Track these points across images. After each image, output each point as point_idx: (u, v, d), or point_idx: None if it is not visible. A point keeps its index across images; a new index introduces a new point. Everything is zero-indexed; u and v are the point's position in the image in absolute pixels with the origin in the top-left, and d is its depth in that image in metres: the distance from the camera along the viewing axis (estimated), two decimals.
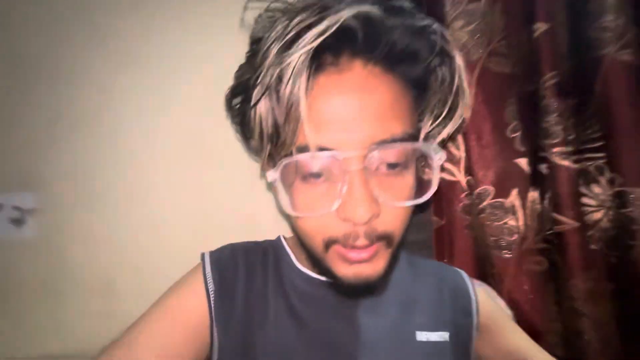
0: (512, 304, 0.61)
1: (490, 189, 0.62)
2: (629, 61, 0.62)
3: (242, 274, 0.48)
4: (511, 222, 0.61)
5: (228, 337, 0.45)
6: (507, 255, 0.61)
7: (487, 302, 0.54)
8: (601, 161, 0.65)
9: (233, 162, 0.64)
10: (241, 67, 0.45)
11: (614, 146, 0.63)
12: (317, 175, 0.39)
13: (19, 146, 0.62)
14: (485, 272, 0.63)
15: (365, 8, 0.36)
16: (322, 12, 0.36)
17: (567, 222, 0.60)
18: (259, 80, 0.39)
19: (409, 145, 0.39)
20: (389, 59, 0.39)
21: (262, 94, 0.39)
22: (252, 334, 0.45)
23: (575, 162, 0.63)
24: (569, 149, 0.62)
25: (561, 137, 0.61)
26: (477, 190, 0.62)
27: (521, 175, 0.62)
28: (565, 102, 0.63)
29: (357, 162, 0.37)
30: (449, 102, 0.43)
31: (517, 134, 0.63)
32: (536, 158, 0.64)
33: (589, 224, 0.65)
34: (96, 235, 0.64)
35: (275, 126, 0.39)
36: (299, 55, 0.36)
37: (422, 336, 0.47)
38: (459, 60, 0.42)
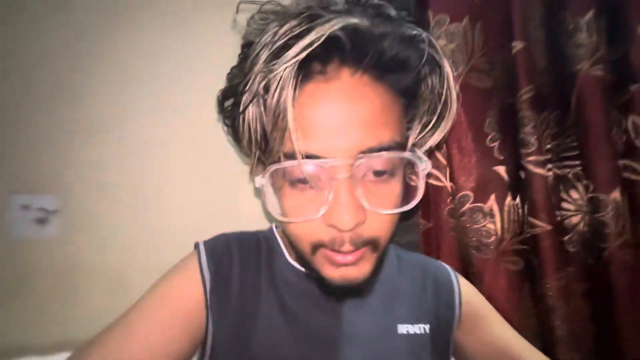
0: (490, 301, 0.65)
1: (470, 194, 0.67)
2: (601, 76, 0.66)
3: (237, 264, 0.48)
4: (489, 225, 0.66)
5: (222, 325, 0.45)
6: (485, 256, 0.66)
7: (471, 295, 0.55)
8: (578, 169, 0.69)
9: (242, 166, 0.68)
10: (232, 69, 0.44)
11: (587, 155, 0.67)
12: (305, 181, 0.39)
13: (43, 153, 0.69)
14: (467, 271, 0.68)
15: (353, 20, 0.36)
16: (311, 22, 0.36)
17: (541, 225, 0.65)
18: (247, 87, 0.39)
19: (396, 154, 0.39)
20: (377, 67, 0.38)
21: (250, 101, 0.39)
22: (245, 324, 0.45)
23: (550, 170, 0.68)
24: (543, 157, 0.66)
25: (536, 146, 0.65)
26: (459, 195, 0.67)
27: (499, 182, 0.67)
28: (541, 114, 0.68)
29: (343, 170, 0.37)
30: (438, 110, 0.43)
31: (496, 143, 0.67)
32: (514, 166, 0.68)
33: (568, 228, 0.69)
34: (110, 236, 0.70)
35: (263, 132, 0.39)
36: (285, 66, 0.35)
37: (403, 329, 0.48)
38: (448, 69, 0.42)
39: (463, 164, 0.67)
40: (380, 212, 0.39)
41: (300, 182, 0.39)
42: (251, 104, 0.39)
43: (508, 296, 0.65)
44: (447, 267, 0.56)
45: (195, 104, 0.70)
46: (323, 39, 0.35)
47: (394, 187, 0.40)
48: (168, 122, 0.71)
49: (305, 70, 0.37)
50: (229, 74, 0.45)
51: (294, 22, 0.37)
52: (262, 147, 0.40)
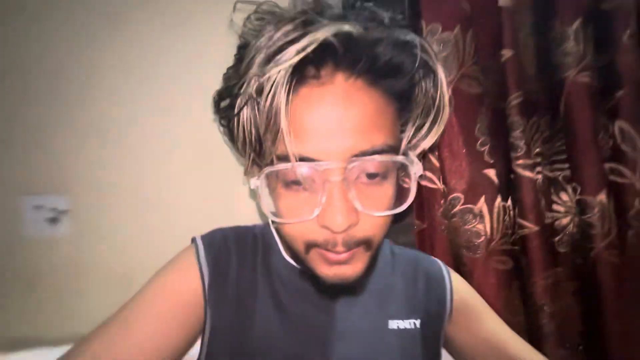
0: None
1: (461, 196, 0.69)
2: (588, 83, 0.69)
3: (234, 259, 0.49)
4: (479, 226, 0.68)
5: (220, 319, 0.46)
6: (475, 255, 0.68)
7: (463, 290, 0.55)
8: (567, 172, 0.72)
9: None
10: (228, 70, 0.44)
11: (575, 158, 0.70)
12: (299, 183, 0.39)
13: (55, 156, 0.72)
14: (458, 270, 0.70)
15: (347, 27, 0.36)
16: (305, 27, 0.36)
17: (529, 226, 0.67)
18: (242, 89, 0.39)
19: (388, 157, 0.39)
20: (371, 72, 0.39)
21: (244, 104, 0.39)
22: (242, 318, 0.46)
23: (539, 172, 0.71)
24: (532, 161, 0.68)
25: (524, 150, 0.68)
26: (450, 196, 0.70)
27: (489, 184, 0.69)
28: (530, 119, 0.70)
29: (337, 173, 0.37)
30: (432, 114, 0.44)
31: (486, 147, 0.70)
32: (504, 169, 0.71)
33: (559, 229, 0.72)
34: (118, 235, 0.73)
35: (257, 135, 0.40)
36: (278, 70, 0.36)
37: (394, 324, 0.49)
38: (441, 74, 0.42)
39: (454, 167, 0.70)
40: (372, 214, 0.39)
41: (295, 183, 0.39)
42: (245, 107, 0.39)
43: (497, 294, 0.67)
44: (440, 262, 0.57)
45: (200, 106, 0.73)
46: (316, 44, 0.35)
47: (387, 189, 0.41)
48: (171, 125, 0.75)
49: (299, 75, 0.37)
50: (225, 74, 0.45)
51: (288, 27, 0.37)
52: (257, 149, 0.41)
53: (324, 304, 0.48)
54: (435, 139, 0.45)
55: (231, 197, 0.75)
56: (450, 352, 0.57)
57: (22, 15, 0.71)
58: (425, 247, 0.75)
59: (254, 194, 0.41)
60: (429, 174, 0.73)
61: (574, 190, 0.71)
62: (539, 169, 0.70)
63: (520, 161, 0.68)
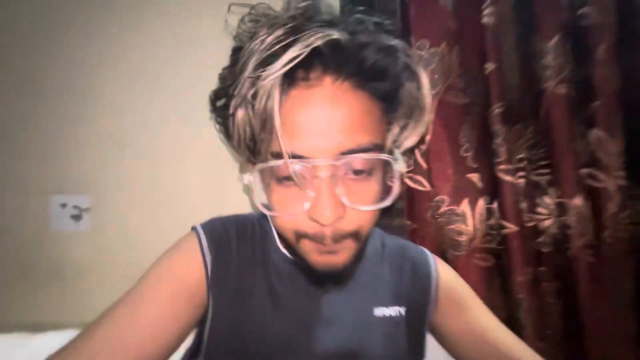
0: None
1: (446, 198, 0.75)
2: (566, 94, 0.74)
3: (235, 246, 0.50)
4: (462, 226, 0.74)
5: (221, 304, 0.47)
6: (458, 253, 0.74)
7: (450, 280, 0.56)
8: (550, 176, 0.77)
9: None
10: (224, 70, 0.45)
11: (555, 164, 0.75)
12: (291, 178, 0.41)
13: (79, 159, 0.81)
14: None
15: (334, 34, 0.38)
16: (295, 34, 0.38)
17: (510, 226, 0.72)
18: (237, 91, 0.41)
19: (373, 155, 0.41)
20: (358, 75, 0.40)
21: (239, 105, 0.41)
22: (240, 304, 0.48)
23: (522, 177, 0.75)
24: (513, 166, 0.74)
25: (505, 156, 0.73)
26: (436, 198, 0.75)
27: (472, 188, 0.75)
28: (512, 127, 0.76)
29: (325, 169, 0.39)
30: (414, 115, 0.45)
31: (469, 153, 0.75)
32: (488, 174, 0.76)
33: (542, 230, 0.76)
34: (133, 231, 0.81)
35: (252, 134, 0.41)
36: (271, 77, 0.38)
37: (379, 312, 0.51)
38: (423, 77, 0.44)
39: (440, 172, 0.75)
40: (359, 208, 0.41)
41: (286, 179, 0.41)
42: (240, 108, 0.41)
43: (479, 290, 0.71)
44: (428, 252, 0.58)
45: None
46: (305, 53, 0.37)
47: (373, 185, 0.42)
48: (182, 131, 0.83)
49: (290, 78, 0.39)
50: (220, 74, 0.46)
51: (279, 32, 0.38)
52: (251, 146, 0.42)
53: (313, 292, 0.50)
54: (417, 137, 0.47)
55: (238, 197, 0.81)
56: (438, 340, 0.58)
57: (51, 30, 0.80)
58: None
59: (247, 188, 0.43)
60: (419, 177, 0.78)
61: (555, 194, 0.76)
62: (521, 173, 0.75)
63: (502, 166, 0.73)
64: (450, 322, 0.55)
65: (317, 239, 0.42)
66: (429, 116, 0.46)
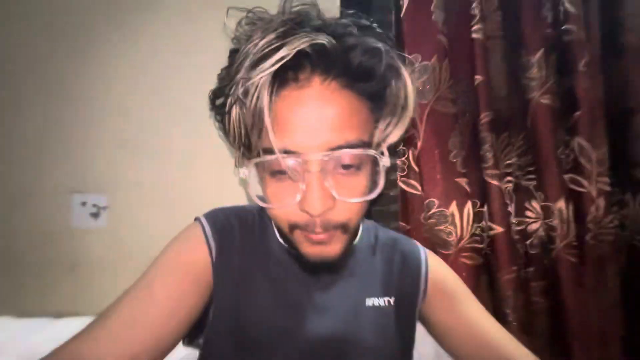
0: None
1: (436, 200, 0.80)
2: (550, 104, 0.79)
3: (237, 236, 0.53)
4: (450, 227, 0.79)
5: (224, 291, 0.50)
6: (447, 252, 0.78)
7: (441, 272, 0.58)
8: (535, 182, 0.82)
9: None
10: (222, 70, 0.48)
11: (540, 170, 0.80)
12: (284, 172, 0.43)
13: (98, 161, 0.88)
14: None
15: (321, 39, 0.40)
16: (285, 38, 0.40)
17: (496, 228, 0.77)
18: (232, 91, 0.43)
19: (360, 151, 0.43)
20: (345, 75, 0.43)
21: (232, 105, 0.43)
22: (241, 291, 0.50)
23: (509, 182, 0.80)
24: (499, 171, 0.79)
25: (492, 162, 0.78)
26: (426, 201, 0.81)
27: (460, 191, 0.80)
28: (500, 134, 0.81)
29: (315, 164, 0.42)
30: (398, 112, 0.47)
31: (458, 159, 0.81)
32: (477, 178, 0.81)
33: (530, 232, 0.81)
34: (149, 228, 0.87)
35: (245, 131, 0.44)
36: (260, 76, 0.40)
37: (370, 302, 0.53)
38: (406, 75, 0.46)
39: (431, 176, 0.80)
40: (347, 200, 0.43)
41: (280, 173, 0.44)
42: (234, 106, 0.43)
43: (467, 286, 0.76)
44: (419, 245, 0.60)
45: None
46: (292, 54, 0.40)
47: (361, 179, 0.45)
48: (192, 133, 0.89)
49: (281, 79, 0.41)
50: (219, 74, 0.48)
51: (271, 36, 0.41)
52: (245, 143, 0.45)
53: (308, 281, 0.52)
54: (400, 134, 0.48)
55: (243, 195, 0.88)
56: (428, 330, 0.60)
57: (69, 36, 0.88)
58: None
59: (243, 182, 0.47)
60: (412, 181, 0.83)
61: (541, 198, 0.80)
62: (509, 178, 0.80)
63: (489, 171, 0.78)
64: (440, 313, 0.57)
65: (308, 228, 0.44)
66: (412, 113, 0.48)
